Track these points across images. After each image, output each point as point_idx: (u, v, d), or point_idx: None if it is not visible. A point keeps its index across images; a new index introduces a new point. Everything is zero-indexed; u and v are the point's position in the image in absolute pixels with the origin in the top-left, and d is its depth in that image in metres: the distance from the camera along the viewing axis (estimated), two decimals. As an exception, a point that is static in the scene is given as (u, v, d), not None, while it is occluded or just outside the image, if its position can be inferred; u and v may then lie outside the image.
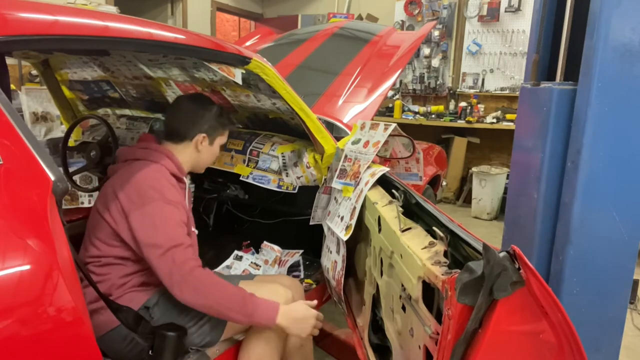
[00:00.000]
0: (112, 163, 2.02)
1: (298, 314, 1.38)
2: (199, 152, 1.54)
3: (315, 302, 1.48)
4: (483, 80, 5.25)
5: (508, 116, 4.92)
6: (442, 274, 0.99)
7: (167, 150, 1.50)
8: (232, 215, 2.55)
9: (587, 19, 1.50)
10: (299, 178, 1.91)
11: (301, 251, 2.17)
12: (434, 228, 1.17)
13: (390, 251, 1.33)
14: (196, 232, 1.67)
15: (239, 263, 2.10)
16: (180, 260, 1.26)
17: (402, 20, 5.60)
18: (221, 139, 1.59)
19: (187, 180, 1.55)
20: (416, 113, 5.39)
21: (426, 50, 5.45)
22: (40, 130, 2.61)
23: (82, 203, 2.30)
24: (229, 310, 1.29)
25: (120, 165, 1.48)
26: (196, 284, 1.26)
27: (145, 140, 1.55)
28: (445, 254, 1.08)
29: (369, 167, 1.68)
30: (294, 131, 2.00)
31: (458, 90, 5.38)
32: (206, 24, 5.81)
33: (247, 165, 1.97)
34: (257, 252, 2.18)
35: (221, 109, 1.58)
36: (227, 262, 2.11)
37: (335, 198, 1.83)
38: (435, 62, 5.43)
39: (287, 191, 1.93)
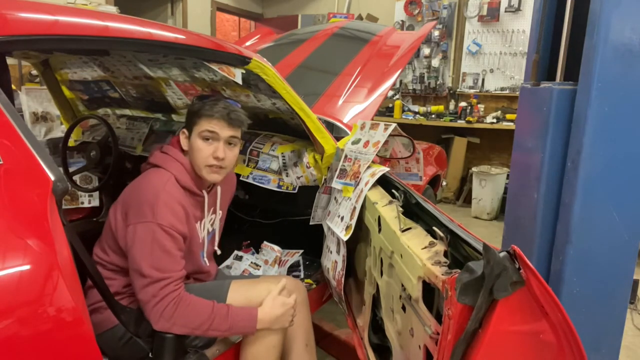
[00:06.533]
0: (112, 163, 2.04)
1: (276, 311, 1.39)
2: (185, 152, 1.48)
3: (284, 281, 1.48)
4: (483, 80, 5.25)
5: (508, 116, 4.92)
6: (442, 274, 0.99)
7: (184, 157, 1.45)
8: (232, 215, 2.56)
9: (587, 19, 1.50)
10: (299, 178, 1.91)
11: (301, 251, 2.16)
12: (434, 228, 1.17)
13: (390, 251, 1.33)
14: (219, 251, 1.68)
15: (239, 263, 2.10)
16: (160, 296, 1.28)
17: (402, 20, 5.60)
18: (197, 129, 1.42)
19: (204, 193, 1.50)
20: (416, 113, 5.39)
21: (426, 50, 5.45)
22: (40, 130, 2.61)
23: (82, 203, 2.31)
24: (206, 331, 1.32)
25: (144, 167, 1.47)
26: (172, 319, 1.28)
27: (171, 143, 1.50)
28: (445, 254, 1.08)
29: (369, 167, 1.68)
30: (294, 131, 2.00)
31: (458, 90, 5.38)
32: (206, 24, 5.81)
33: (247, 165, 1.97)
34: (257, 252, 2.18)
35: (198, 97, 1.50)
36: (227, 262, 2.11)
37: (335, 198, 1.83)
38: (435, 62, 5.43)
39: (287, 191, 1.93)
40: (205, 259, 1.58)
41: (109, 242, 1.41)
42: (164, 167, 1.41)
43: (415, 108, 5.45)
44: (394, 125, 1.76)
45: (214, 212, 1.60)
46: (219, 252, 1.69)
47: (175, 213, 1.34)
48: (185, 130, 1.46)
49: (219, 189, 1.60)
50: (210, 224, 1.59)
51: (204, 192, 1.50)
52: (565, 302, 1.41)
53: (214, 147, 1.41)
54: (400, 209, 1.35)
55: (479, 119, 5.01)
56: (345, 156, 1.80)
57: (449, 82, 5.46)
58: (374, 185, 1.60)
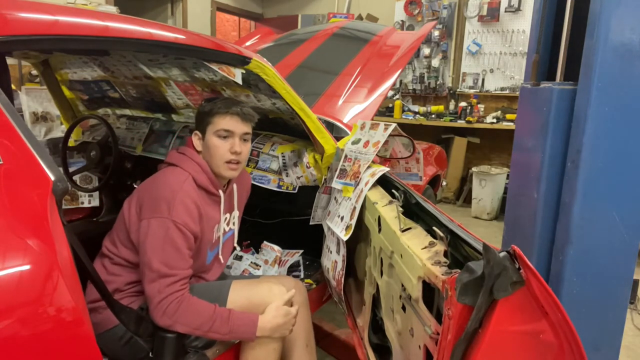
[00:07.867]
0: (112, 163, 2.04)
1: (278, 320, 1.40)
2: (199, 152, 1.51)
3: (292, 291, 1.49)
4: (483, 80, 5.25)
5: (508, 116, 4.92)
6: (442, 274, 0.99)
7: (200, 158, 1.47)
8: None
9: (587, 19, 1.50)
10: (299, 178, 1.91)
11: (301, 251, 2.16)
12: (434, 228, 1.17)
13: (390, 251, 1.33)
14: (238, 248, 1.68)
15: (238, 263, 2.10)
16: (165, 293, 1.29)
17: (402, 20, 5.60)
18: (212, 128, 1.45)
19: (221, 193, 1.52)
20: (416, 113, 5.39)
21: (426, 50, 5.45)
22: (40, 130, 2.61)
23: (82, 203, 2.31)
24: (206, 332, 1.33)
25: (161, 167, 1.49)
26: (174, 316, 1.30)
27: (188, 144, 1.52)
28: (445, 254, 1.08)
29: (369, 167, 1.68)
30: (294, 131, 2.00)
31: (458, 90, 5.38)
32: (206, 24, 5.81)
33: (247, 165, 1.96)
34: (257, 252, 2.18)
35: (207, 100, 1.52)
36: (227, 262, 2.11)
37: (335, 198, 1.83)
38: (435, 62, 5.43)
39: (287, 191, 1.93)
40: (221, 256, 1.60)
41: (120, 236, 1.42)
42: (181, 167, 1.43)
43: (415, 108, 5.45)
44: (394, 125, 1.76)
45: (231, 210, 1.62)
46: (238, 248, 1.69)
47: (190, 212, 1.36)
48: (197, 132, 1.49)
49: (234, 187, 1.61)
50: (226, 224, 1.60)
51: (220, 191, 1.51)
52: (565, 302, 1.41)
53: (230, 143, 1.45)
54: (400, 209, 1.35)
55: (479, 119, 5.01)
56: (345, 156, 1.80)
57: (449, 82, 5.46)
58: (374, 185, 1.60)
